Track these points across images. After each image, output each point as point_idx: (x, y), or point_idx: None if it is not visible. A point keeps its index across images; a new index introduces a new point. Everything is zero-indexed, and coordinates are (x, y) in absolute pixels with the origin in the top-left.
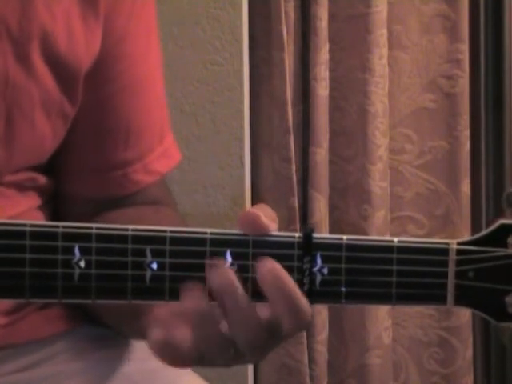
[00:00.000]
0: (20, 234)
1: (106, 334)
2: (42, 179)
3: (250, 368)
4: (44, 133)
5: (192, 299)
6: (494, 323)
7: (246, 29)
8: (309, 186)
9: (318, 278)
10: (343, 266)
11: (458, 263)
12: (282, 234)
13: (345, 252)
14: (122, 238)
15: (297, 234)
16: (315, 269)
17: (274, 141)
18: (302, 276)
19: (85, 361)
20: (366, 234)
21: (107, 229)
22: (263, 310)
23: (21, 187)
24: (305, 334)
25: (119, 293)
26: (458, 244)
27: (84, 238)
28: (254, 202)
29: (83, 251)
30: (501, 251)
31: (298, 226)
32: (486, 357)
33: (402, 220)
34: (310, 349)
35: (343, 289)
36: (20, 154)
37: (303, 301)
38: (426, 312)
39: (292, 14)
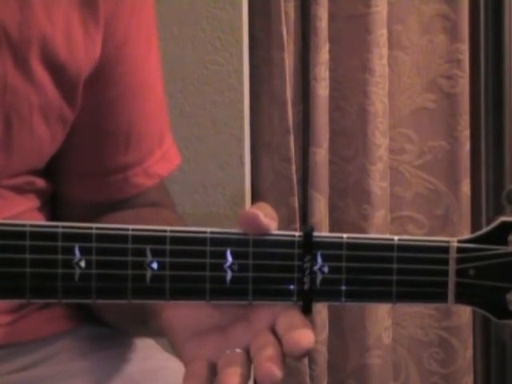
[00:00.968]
0: (20, 235)
1: (108, 334)
2: (40, 182)
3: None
4: (42, 137)
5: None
6: (494, 321)
7: (246, 29)
8: (309, 186)
9: (319, 276)
10: (344, 264)
11: (459, 261)
12: (282, 233)
13: (345, 250)
14: (122, 238)
15: (297, 233)
16: (316, 268)
17: (273, 141)
18: (302, 275)
19: (86, 361)
20: (365, 233)
21: (107, 229)
22: None
23: (19, 190)
24: None
25: (120, 293)
26: (459, 242)
27: (84, 238)
28: (254, 201)
29: (83, 251)
30: (501, 249)
31: (298, 225)
32: (485, 357)
33: (401, 220)
34: None
35: (344, 287)
36: (18, 159)
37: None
38: (426, 312)
39: (292, 14)
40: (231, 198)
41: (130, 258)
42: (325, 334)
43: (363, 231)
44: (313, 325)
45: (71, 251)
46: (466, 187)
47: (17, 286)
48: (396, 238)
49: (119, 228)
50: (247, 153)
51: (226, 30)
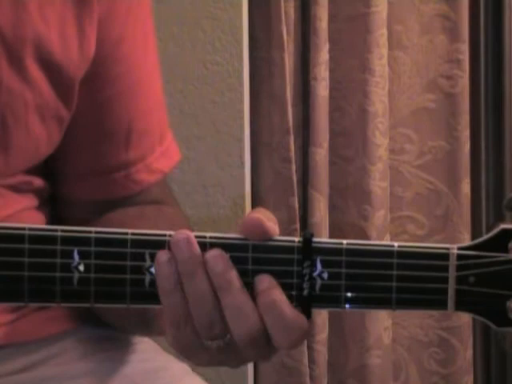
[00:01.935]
0: (19, 238)
1: (108, 335)
2: (37, 182)
3: (250, 368)
4: (39, 136)
5: None
6: (494, 328)
7: (246, 29)
8: (309, 186)
9: (318, 282)
10: (343, 270)
11: (459, 268)
12: (281, 238)
13: (345, 257)
14: (121, 242)
15: (296, 239)
16: (315, 274)
17: (273, 141)
18: (301, 281)
19: (86, 362)
20: (365, 233)
21: (106, 233)
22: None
23: (17, 189)
24: None
25: (118, 297)
26: (459, 249)
27: (83, 241)
28: (254, 201)
29: (82, 255)
30: (502, 256)
31: (298, 225)
32: (485, 357)
33: (401, 220)
34: (310, 349)
35: (343, 294)
36: (16, 158)
37: (294, 319)
38: (426, 312)
39: (292, 14)
40: (231, 198)
41: (128, 263)
42: (325, 334)
43: (363, 231)
44: (313, 325)
45: (70, 255)
46: (466, 187)
47: (15, 289)
48: (396, 244)
49: (118, 232)
50: (247, 153)
51: (226, 30)
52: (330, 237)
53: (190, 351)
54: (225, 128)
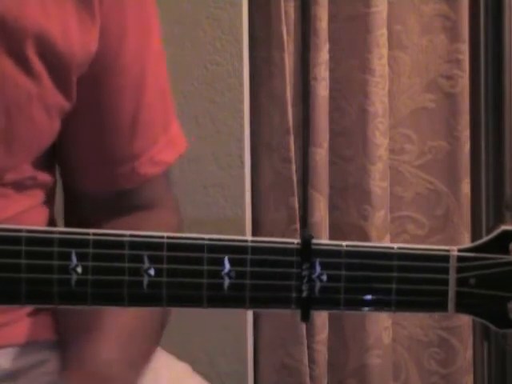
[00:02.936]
0: (16, 240)
1: None
2: (42, 176)
3: (250, 368)
4: (42, 126)
5: None
6: (495, 330)
7: (246, 29)
8: (309, 186)
9: (317, 284)
10: (343, 272)
11: (459, 270)
12: (280, 240)
13: (344, 259)
14: (119, 244)
15: (295, 241)
16: (314, 276)
17: (274, 141)
18: (300, 283)
19: None
20: (365, 234)
21: (104, 235)
22: None
23: (21, 186)
24: (305, 333)
25: (116, 299)
26: (459, 251)
27: (81, 243)
28: (254, 201)
29: (80, 257)
30: (502, 258)
31: (297, 225)
32: (486, 357)
33: (401, 220)
34: (310, 349)
35: (342, 296)
36: (19, 149)
37: None
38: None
39: (292, 14)
40: (231, 198)
41: (126, 265)
42: (325, 334)
43: (363, 231)
44: (313, 325)
45: (68, 257)
46: (466, 187)
47: (12, 290)
48: (395, 246)
49: (116, 234)
50: (247, 153)
51: (226, 30)
52: (330, 237)
53: None
54: (225, 128)
